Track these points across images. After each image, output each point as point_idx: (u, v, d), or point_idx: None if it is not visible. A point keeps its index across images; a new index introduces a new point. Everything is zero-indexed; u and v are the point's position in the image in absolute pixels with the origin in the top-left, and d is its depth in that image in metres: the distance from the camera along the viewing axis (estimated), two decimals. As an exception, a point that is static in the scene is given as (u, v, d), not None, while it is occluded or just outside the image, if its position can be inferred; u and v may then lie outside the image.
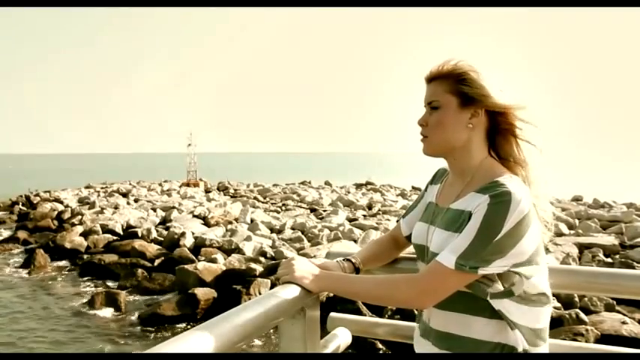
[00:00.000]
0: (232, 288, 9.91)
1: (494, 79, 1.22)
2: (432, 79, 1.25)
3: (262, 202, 23.03)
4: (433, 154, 1.26)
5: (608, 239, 12.37)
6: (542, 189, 1.21)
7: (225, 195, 26.85)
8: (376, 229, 14.11)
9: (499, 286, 1.13)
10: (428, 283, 1.13)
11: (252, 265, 10.77)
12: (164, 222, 17.22)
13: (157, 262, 12.73)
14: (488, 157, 1.23)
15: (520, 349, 1.15)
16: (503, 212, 1.07)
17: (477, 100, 1.19)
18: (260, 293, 9.28)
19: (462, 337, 1.19)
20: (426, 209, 1.37)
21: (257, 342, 8.45)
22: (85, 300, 10.80)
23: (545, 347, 1.21)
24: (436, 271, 1.12)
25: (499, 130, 1.23)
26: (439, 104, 1.22)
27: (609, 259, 10.65)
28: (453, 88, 1.20)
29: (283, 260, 1.33)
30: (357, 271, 1.39)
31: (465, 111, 1.20)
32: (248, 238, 13.23)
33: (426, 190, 1.44)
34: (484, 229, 1.08)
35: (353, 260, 1.40)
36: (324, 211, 19.10)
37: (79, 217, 18.38)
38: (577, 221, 15.05)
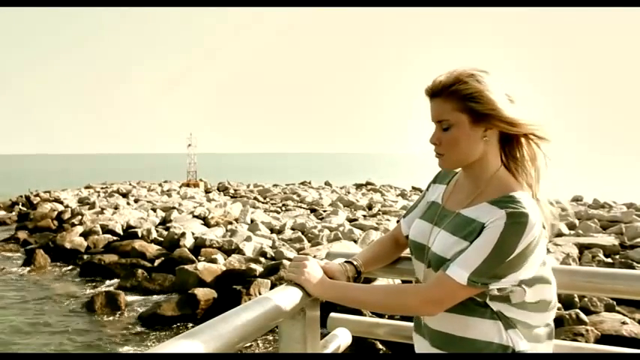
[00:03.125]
0: (232, 288, 9.90)
1: (502, 85, 1.19)
2: (435, 95, 1.21)
3: (262, 203, 23.02)
4: (451, 169, 1.29)
5: (608, 239, 12.36)
6: (548, 194, 1.22)
7: (225, 195, 26.85)
8: (376, 229, 14.11)
9: (498, 292, 1.14)
10: (437, 294, 1.14)
11: (252, 266, 10.77)
12: (164, 222, 17.21)
13: (157, 262, 12.72)
14: (502, 167, 1.23)
15: (518, 350, 1.15)
16: (519, 234, 1.08)
17: (488, 115, 1.17)
18: (260, 293, 9.29)
19: (459, 338, 1.19)
20: (428, 208, 1.37)
21: (257, 342, 8.45)
22: (85, 300, 10.79)
23: (546, 347, 1.21)
24: (446, 284, 1.13)
25: (510, 136, 1.22)
26: (450, 124, 1.19)
27: (609, 260, 10.64)
28: (462, 105, 1.17)
29: (296, 256, 1.34)
30: (358, 273, 1.39)
31: (478, 127, 1.18)
32: (248, 239, 13.23)
33: (427, 189, 1.44)
34: (499, 248, 1.09)
35: (355, 262, 1.40)
36: (324, 211, 19.10)
37: (79, 217, 18.37)
38: (577, 221, 15.04)
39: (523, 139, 1.22)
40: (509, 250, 1.08)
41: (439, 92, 1.19)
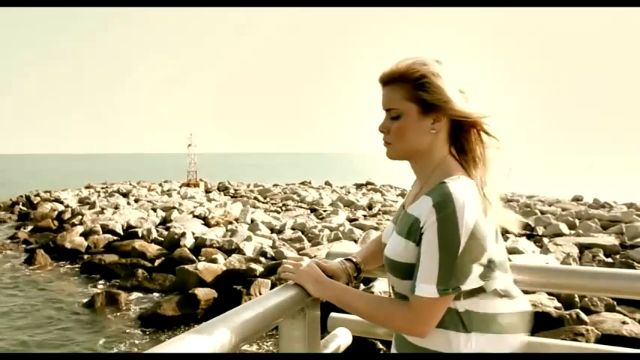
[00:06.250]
0: (233, 288, 9.90)
1: (454, 75, 1.16)
2: (387, 82, 1.18)
3: (262, 203, 23.03)
4: (397, 159, 1.23)
5: (609, 239, 12.37)
6: (499, 186, 1.17)
7: (225, 195, 26.86)
8: (376, 229, 14.11)
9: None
10: (419, 314, 1.10)
11: (253, 266, 10.77)
12: (164, 222, 17.23)
13: (157, 262, 12.73)
14: (448, 155, 1.19)
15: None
16: (454, 222, 1.04)
17: (437, 107, 1.14)
18: (260, 293, 9.28)
19: (416, 346, 1.17)
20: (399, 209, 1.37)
21: (257, 342, 8.45)
22: (85, 300, 10.80)
23: (515, 338, 1.18)
24: (423, 304, 1.09)
25: (461, 127, 1.19)
26: (399, 112, 1.16)
27: (609, 259, 10.64)
28: (412, 94, 1.14)
29: (290, 257, 1.34)
30: (359, 271, 1.39)
31: (426, 118, 1.15)
32: (248, 239, 13.23)
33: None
34: (445, 247, 1.05)
35: (355, 260, 1.40)
36: (325, 211, 19.10)
37: (80, 217, 18.38)
38: (577, 221, 15.04)
39: (472, 130, 1.18)
40: (455, 243, 1.04)
41: (390, 80, 1.17)
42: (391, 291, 1.25)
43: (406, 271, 1.14)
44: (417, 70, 1.14)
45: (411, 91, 1.14)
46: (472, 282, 1.08)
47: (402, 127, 1.17)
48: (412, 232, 1.12)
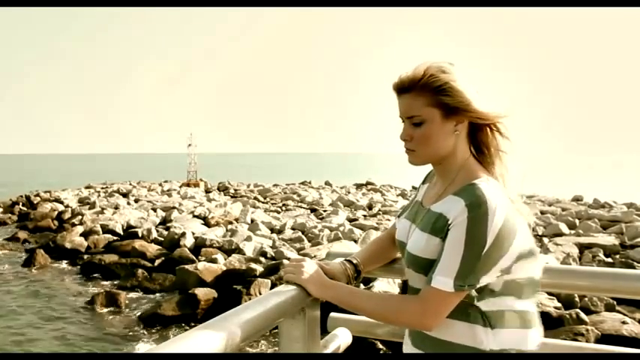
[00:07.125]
0: (233, 288, 9.91)
1: (470, 79, 1.18)
2: (404, 90, 1.20)
3: (262, 203, 23.03)
4: (422, 165, 1.25)
5: (609, 239, 12.37)
6: (517, 185, 1.20)
7: (225, 195, 26.86)
8: (376, 229, 14.11)
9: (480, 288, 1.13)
10: (430, 307, 1.12)
11: (253, 265, 10.77)
12: (164, 222, 17.23)
13: (157, 262, 12.74)
14: (470, 157, 1.22)
15: (489, 350, 1.13)
16: (484, 223, 1.07)
17: (459, 110, 1.16)
18: (260, 293, 9.29)
19: (432, 338, 1.18)
20: (412, 207, 1.37)
21: (257, 342, 8.45)
22: (85, 300, 10.80)
23: (536, 332, 1.19)
24: (436, 296, 1.11)
25: (477, 127, 1.22)
26: (422, 119, 1.18)
27: (609, 259, 10.65)
28: (433, 100, 1.16)
29: (292, 258, 1.34)
30: (358, 272, 1.39)
31: (449, 121, 1.18)
32: (248, 239, 13.23)
33: (418, 189, 1.45)
34: (471, 245, 1.08)
35: (354, 262, 1.40)
36: (325, 211, 19.10)
37: (80, 217, 18.38)
38: (577, 221, 15.04)
39: (488, 129, 1.21)
40: (481, 242, 1.07)
41: (408, 87, 1.18)
42: (408, 288, 1.26)
43: (429, 267, 1.15)
44: (435, 75, 1.16)
45: (433, 97, 1.16)
46: (487, 279, 1.10)
47: (426, 134, 1.19)
48: (439, 228, 1.14)
